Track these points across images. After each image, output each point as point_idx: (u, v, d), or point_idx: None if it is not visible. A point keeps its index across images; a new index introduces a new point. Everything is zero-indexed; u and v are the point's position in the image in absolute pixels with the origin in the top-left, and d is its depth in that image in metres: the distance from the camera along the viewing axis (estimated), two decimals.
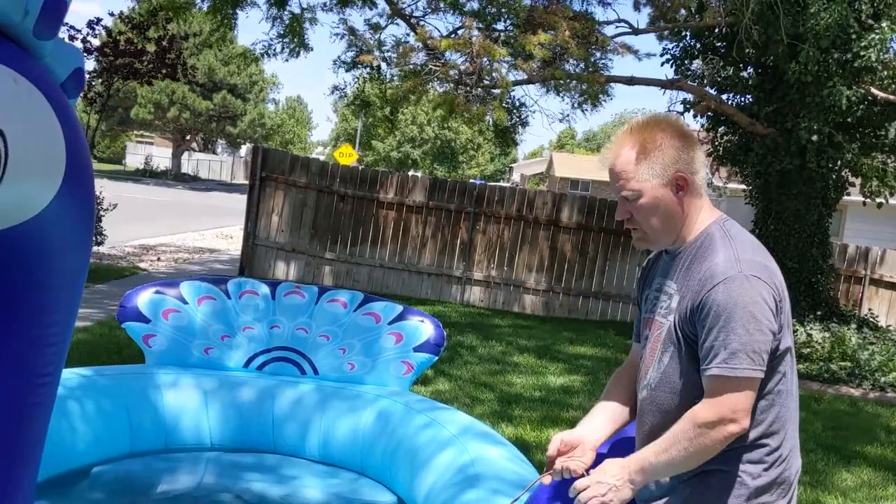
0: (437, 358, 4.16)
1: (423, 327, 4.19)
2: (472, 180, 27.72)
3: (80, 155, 1.73)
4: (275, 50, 11.04)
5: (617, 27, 10.60)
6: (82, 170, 1.76)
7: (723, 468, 1.80)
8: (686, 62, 9.88)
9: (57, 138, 1.63)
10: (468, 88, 9.27)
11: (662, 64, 10.10)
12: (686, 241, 1.90)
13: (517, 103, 11.39)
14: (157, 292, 4.27)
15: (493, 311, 10.46)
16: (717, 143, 10.11)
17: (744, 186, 10.79)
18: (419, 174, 26.52)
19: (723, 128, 9.99)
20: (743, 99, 9.74)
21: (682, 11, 10.11)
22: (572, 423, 5.63)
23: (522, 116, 11.85)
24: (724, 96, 9.87)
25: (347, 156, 25.19)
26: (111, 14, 11.38)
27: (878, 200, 9.64)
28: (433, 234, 11.20)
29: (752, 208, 9.76)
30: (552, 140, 72.42)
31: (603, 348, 8.02)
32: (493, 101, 9.47)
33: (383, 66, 11.34)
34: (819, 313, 8.87)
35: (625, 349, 8.16)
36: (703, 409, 1.74)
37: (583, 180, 41.67)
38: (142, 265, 10.98)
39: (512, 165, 56.36)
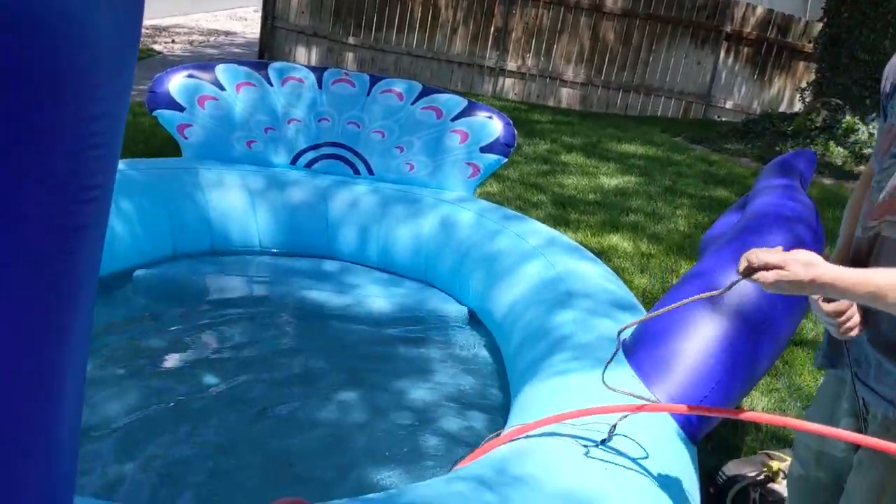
0: (505, 160, 3.73)
1: (492, 124, 3.73)
2: None
3: None
4: None
5: None
6: None
7: None
8: None
9: None
10: None
11: None
12: None
13: None
14: (189, 76, 3.78)
15: (528, 106, 9.89)
16: None
17: None
18: None
19: None
20: None
21: None
22: (633, 228, 5.33)
23: None
24: None
25: None
26: None
27: None
28: (465, 18, 10.37)
29: None
30: None
31: (652, 146, 7.55)
32: None
33: None
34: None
35: (674, 148, 7.70)
36: None
37: None
38: (156, 47, 10.30)
39: None
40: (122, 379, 2.77)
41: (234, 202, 3.63)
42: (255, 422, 2.59)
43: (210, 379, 2.82)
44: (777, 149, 7.57)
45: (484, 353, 3.02)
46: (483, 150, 3.70)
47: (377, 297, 3.31)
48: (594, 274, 2.84)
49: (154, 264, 3.48)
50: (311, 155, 3.83)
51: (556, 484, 1.65)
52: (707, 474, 2.44)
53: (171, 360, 2.92)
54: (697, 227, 5.06)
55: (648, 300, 3.85)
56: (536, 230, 3.25)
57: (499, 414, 2.58)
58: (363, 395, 2.71)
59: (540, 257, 2.97)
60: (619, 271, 4.28)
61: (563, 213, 5.23)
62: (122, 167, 3.50)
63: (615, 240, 4.79)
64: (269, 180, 3.67)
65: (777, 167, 3.12)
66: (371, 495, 1.69)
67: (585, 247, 4.52)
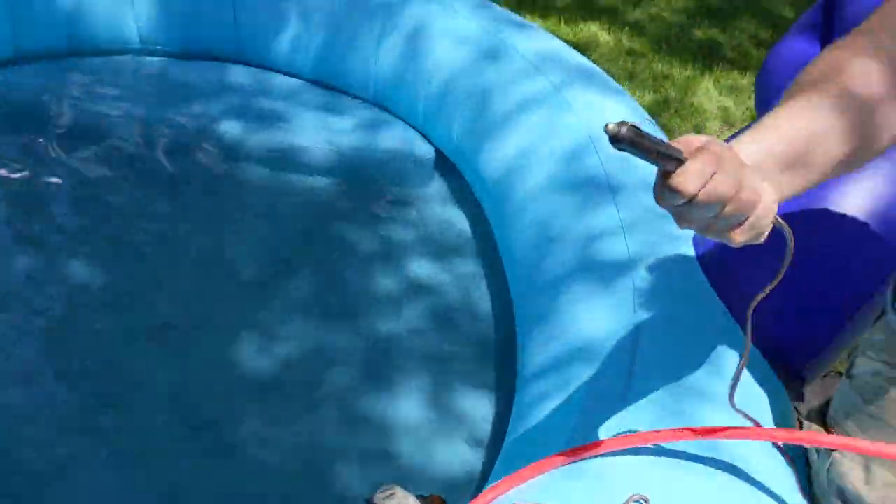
0: None
1: None
2: None
3: None
4: None
5: None
6: None
7: None
8: None
9: None
10: None
11: None
12: None
13: None
14: None
15: None
16: None
17: None
18: None
19: None
20: None
21: None
22: (611, 14, 4.39)
23: None
24: None
25: None
26: None
27: None
28: None
29: None
30: None
31: None
32: None
33: None
34: None
35: None
36: None
37: None
38: None
39: None
40: None
41: None
42: (152, 344, 1.79)
43: (77, 271, 1.95)
44: None
45: (462, 225, 2.22)
46: None
47: (308, 127, 2.39)
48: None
49: None
50: None
51: None
52: None
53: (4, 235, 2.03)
54: (684, 14, 4.20)
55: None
56: (543, 42, 2.32)
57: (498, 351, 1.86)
58: (290, 290, 1.93)
59: (559, 99, 2.08)
60: None
61: None
62: None
63: (593, 29, 3.90)
64: None
65: None
66: None
67: (558, 37, 3.65)
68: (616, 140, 0.60)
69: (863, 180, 1.40)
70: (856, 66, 0.84)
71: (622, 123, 0.60)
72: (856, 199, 1.39)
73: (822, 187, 1.38)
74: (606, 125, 0.60)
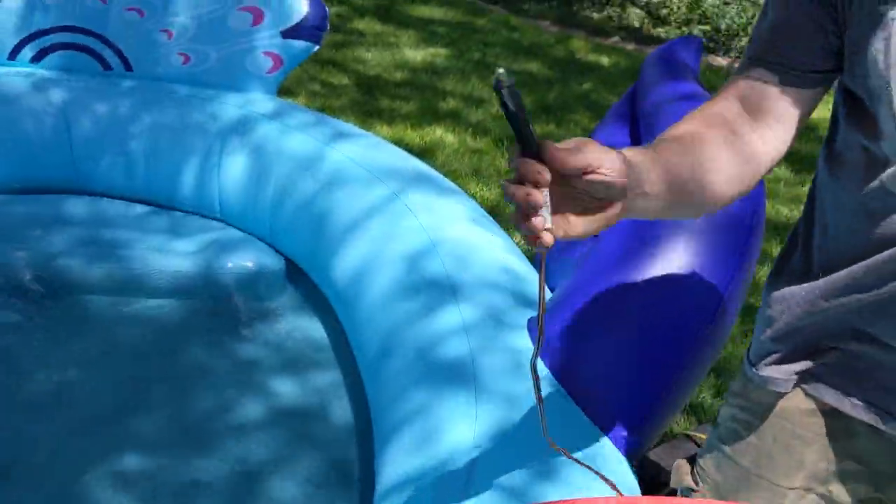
0: (317, 48, 2.84)
1: (294, 1, 2.79)
2: None
3: None
4: None
5: None
6: None
7: None
8: None
9: None
10: None
11: None
12: None
13: None
14: None
15: None
16: None
17: None
18: None
19: None
20: None
21: None
22: (454, 117, 4.60)
23: None
24: None
25: None
26: None
27: None
28: None
29: None
30: None
31: (452, 8, 6.77)
32: None
33: None
34: None
35: (473, 9, 6.96)
36: None
37: None
38: None
39: None
40: None
41: None
42: None
43: None
44: (574, 8, 7.12)
45: (319, 333, 2.25)
46: (285, 34, 2.77)
47: (154, 251, 2.38)
48: (476, 233, 2.09)
49: None
50: (39, 43, 2.71)
51: None
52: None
53: None
54: None
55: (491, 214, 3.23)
56: (380, 152, 2.42)
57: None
58: (145, 423, 1.89)
59: (398, 205, 2.17)
60: (450, 175, 3.62)
61: (370, 99, 4.40)
62: None
63: (438, 133, 4.07)
64: None
65: (663, 63, 2.52)
66: None
67: (407, 144, 3.80)
68: (498, 88, 0.67)
69: (668, 258, 1.52)
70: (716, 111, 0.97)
71: (511, 81, 0.68)
72: (665, 271, 1.51)
73: (632, 265, 1.51)
74: (497, 70, 0.68)
